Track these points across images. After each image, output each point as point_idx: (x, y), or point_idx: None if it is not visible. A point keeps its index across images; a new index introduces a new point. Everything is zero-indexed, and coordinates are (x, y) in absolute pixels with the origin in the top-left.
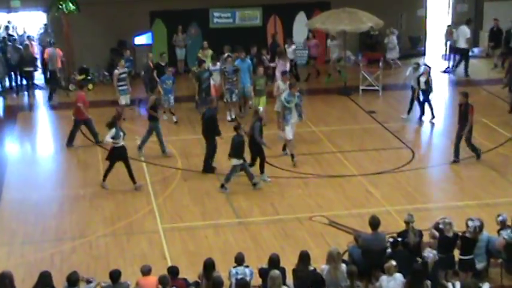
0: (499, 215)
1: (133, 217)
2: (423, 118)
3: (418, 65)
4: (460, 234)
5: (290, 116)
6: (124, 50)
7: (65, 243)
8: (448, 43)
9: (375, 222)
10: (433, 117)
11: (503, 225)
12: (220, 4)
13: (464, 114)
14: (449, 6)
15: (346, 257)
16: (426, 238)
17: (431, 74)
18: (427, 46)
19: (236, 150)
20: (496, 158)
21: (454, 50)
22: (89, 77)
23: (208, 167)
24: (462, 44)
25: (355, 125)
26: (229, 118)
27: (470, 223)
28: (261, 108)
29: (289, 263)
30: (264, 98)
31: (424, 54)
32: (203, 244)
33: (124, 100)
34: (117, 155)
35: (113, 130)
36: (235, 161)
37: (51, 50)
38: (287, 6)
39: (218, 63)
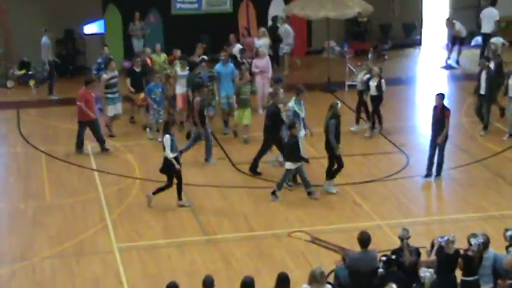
0: (507, 230)
1: (83, 235)
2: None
3: (367, 67)
4: (462, 252)
5: (299, 129)
6: (102, 47)
7: (3, 266)
8: (449, 34)
9: (364, 239)
10: (373, 127)
11: (509, 241)
12: None
13: (440, 119)
14: None
15: (331, 278)
16: (424, 256)
17: (382, 78)
18: (423, 35)
19: (290, 153)
20: (503, 164)
21: (455, 41)
22: (29, 72)
23: (255, 167)
24: (487, 29)
25: (341, 126)
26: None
27: (473, 240)
28: (338, 104)
29: (265, 287)
30: (249, 110)
31: (420, 43)
32: (165, 265)
33: (114, 111)
34: (174, 167)
35: (168, 139)
36: (289, 165)
37: None
38: None
39: (187, 68)
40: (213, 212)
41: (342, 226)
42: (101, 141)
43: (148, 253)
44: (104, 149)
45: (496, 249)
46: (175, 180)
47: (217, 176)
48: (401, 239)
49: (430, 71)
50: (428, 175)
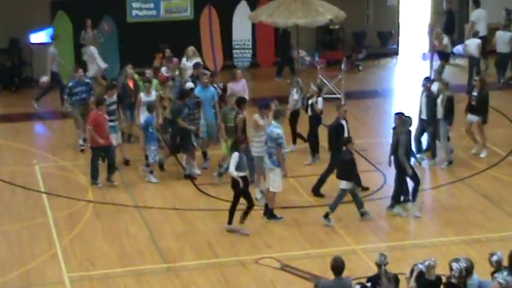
0: (492, 254)
1: (31, 264)
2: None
3: (298, 83)
4: (444, 278)
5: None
6: (75, 68)
7: None
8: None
9: (337, 266)
10: (314, 156)
11: (498, 266)
12: None
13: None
14: None
15: None
16: (403, 284)
17: (320, 96)
18: (400, 43)
19: (345, 171)
20: (488, 183)
21: (441, 55)
22: None
23: (318, 188)
24: (483, 32)
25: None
26: (198, 172)
27: (454, 265)
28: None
29: None
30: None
31: (396, 53)
32: None
33: (114, 140)
34: (238, 186)
35: (236, 157)
36: (344, 184)
37: None
38: None
39: (153, 92)
40: (174, 238)
41: (314, 251)
42: (110, 170)
43: (103, 284)
44: (109, 180)
45: (480, 275)
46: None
47: (177, 197)
48: (379, 265)
49: (408, 83)
50: (406, 200)
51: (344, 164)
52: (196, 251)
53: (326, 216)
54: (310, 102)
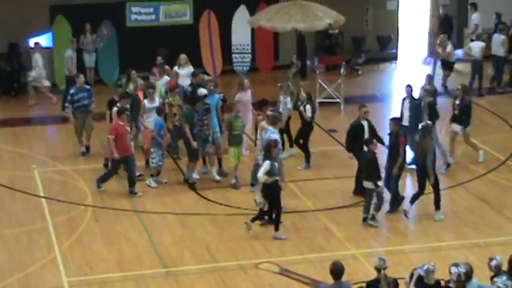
0: (491, 259)
1: (30, 269)
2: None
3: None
4: (443, 283)
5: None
6: (77, 75)
7: None
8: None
9: (337, 270)
10: (307, 164)
11: (497, 270)
12: None
13: (395, 146)
14: None
15: None
16: None
17: (308, 104)
18: (399, 48)
19: (367, 171)
20: (487, 187)
21: (444, 64)
22: None
23: (360, 187)
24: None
25: (311, 147)
26: (197, 176)
27: (453, 269)
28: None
29: None
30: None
31: (396, 58)
32: None
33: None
34: (271, 192)
35: (268, 164)
36: (368, 184)
37: None
38: None
39: (157, 99)
40: (173, 242)
41: (313, 256)
42: (132, 181)
43: None
44: (132, 192)
45: (480, 279)
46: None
47: (176, 202)
48: (378, 269)
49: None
50: (391, 211)
51: (366, 165)
52: (196, 255)
53: (364, 220)
54: (300, 109)
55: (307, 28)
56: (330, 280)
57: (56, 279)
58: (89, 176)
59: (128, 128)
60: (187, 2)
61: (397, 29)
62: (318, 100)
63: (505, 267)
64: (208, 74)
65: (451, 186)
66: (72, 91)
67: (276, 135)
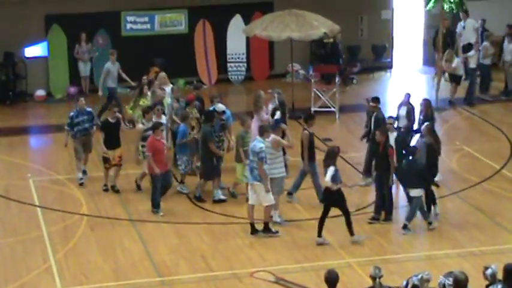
0: (487, 267)
1: (25, 278)
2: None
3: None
4: None
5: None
6: (76, 97)
7: None
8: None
9: (331, 278)
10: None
11: (492, 279)
12: (134, 6)
13: (383, 157)
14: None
15: None
16: None
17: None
18: (394, 57)
19: (419, 179)
20: (482, 196)
21: (452, 79)
22: None
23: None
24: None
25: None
26: (221, 197)
27: (440, 279)
28: None
29: None
30: None
31: (390, 67)
32: None
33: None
34: (335, 198)
35: (332, 170)
36: (417, 192)
37: None
38: (219, 9)
39: (164, 116)
40: (168, 251)
41: (308, 265)
42: (154, 202)
43: None
44: (155, 212)
45: None
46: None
47: (171, 211)
48: (373, 278)
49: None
50: (375, 218)
51: (418, 173)
52: (191, 264)
53: (405, 227)
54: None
55: (302, 37)
56: None
57: None
58: (84, 184)
59: (165, 142)
60: (183, 11)
61: (392, 38)
62: (313, 109)
63: (500, 275)
64: (203, 83)
65: (446, 195)
66: (72, 114)
67: (261, 144)
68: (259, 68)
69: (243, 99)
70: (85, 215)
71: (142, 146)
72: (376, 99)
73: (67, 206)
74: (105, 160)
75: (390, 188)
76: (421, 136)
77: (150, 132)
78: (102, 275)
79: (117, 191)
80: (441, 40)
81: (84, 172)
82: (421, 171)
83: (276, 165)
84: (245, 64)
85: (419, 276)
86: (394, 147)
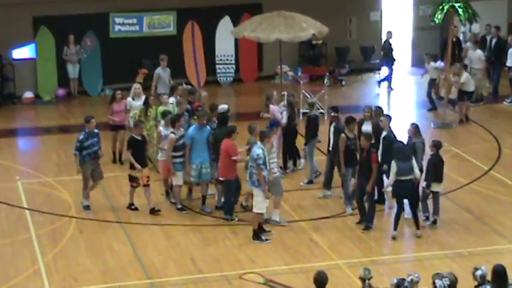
0: (477, 268)
1: (13, 281)
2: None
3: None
4: None
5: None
6: (87, 118)
7: None
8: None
9: (321, 280)
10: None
11: (482, 280)
12: (122, 7)
13: (366, 162)
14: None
15: None
16: None
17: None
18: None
19: (436, 173)
20: (471, 197)
21: (462, 95)
22: None
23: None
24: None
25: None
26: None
27: (438, 282)
28: None
29: None
30: None
31: (379, 68)
32: None
33: (180, 179)
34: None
35: (395, 165)
36: (436, 186)
37: None
38: (208, 10)
39: (170, 128)
40: (157, 253)
41: (297, 266)
42: (227, 210)
43: None
44: (229, 218)
45: None
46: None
47: (160, 213)
48: (363, 279)
49: (392, 99)
50: (368, 226)
51: (433, 167)
52: (180, 266)
53: (434, 222)
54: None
55: (290, 39)
56: None
57: None
58: (73, 187)
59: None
60: (171, 13)
61: (381, 39)
62: (301, 110)
63: (488, 277)
64: (192, 85)
65: None
66: (81, 137)
67: (260, 151)
68: (248, 70)
69: (232, 101)
70: (74, 217)
71: (173, 157)
72: (336, 109)
73: (56, 208)
74: (132, 179)
75: (372, 196)
76: (409, 138)
77: (182, 141)
78: (91, 278)
79: (158, 211)
80: (450, 51)
81: (87, 202)
82: (442, 166)
83: (270, 165)
84: (234, 66)
85: (409, 279)
86: (371, 136)
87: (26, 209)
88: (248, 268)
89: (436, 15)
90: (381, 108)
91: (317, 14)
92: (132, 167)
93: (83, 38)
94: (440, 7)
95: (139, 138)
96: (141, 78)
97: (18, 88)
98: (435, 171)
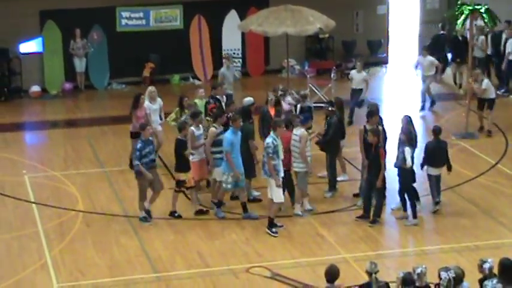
0: (484, 261)
1: (21, 275)
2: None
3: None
4: (433, 286)
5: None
6: (142, 126)
7: None
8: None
9: (332, 272)
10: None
11: (490, 273)
12: (129, 1)
13: (375, 158)
14: (423, 0)
15: None
16: None
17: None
18: (390, 52)
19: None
20: (477, 190)
21: (482, 103)
22: None
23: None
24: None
25: None
26: (257, 193)
27: (443, 274)
28: None
29: None
30: None
31: (386, 62)
32: None
33: (220, 174)
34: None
35: (409, 150)
36: (438, 171)
37: None
38: (214, 4)
39: (200, 126)
40: (164, 247)
41: (304, 260)
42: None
43: None
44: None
45: (470, 283)
46: None
47: (167, 207)
48: (369, 273)
49: (398, 92)
50: (364, 216)
51: (445, 151)
52: (187, 260)
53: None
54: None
55: (297, 32)
56: (322, 284)
57: (47, 284)
58: (79, 181)
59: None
60: (178, 7)
61: (388, 33)
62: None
63: (495, 270)
64: (199, 79)
65: (442, 190)
66: (139, 145)
67: (269, 140)
68: (254, 64)
69: (238, 95)
70: (81, 211)
71: (213, 152)
72: (332, 104)
73: (63, 202)
74: (180, 183)
75: (380, 191)
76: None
77: (220, 137)
78: (97, 271)
79: (207, 211)
80: (470, 57)
81: (149, 213)
82: (446, 150)
83: (299, 159)
84: (240, 60)
85: (418, 271)
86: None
87: (33, 203)
88: (255, 262)
89: (457, 19)
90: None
91: (324, 8)
92: (180, 170)
93: (90, 32)
94: (460, 11)
95: (185, 139)
96: (148, 72)
97: (25, 82)
98: (433, 157)
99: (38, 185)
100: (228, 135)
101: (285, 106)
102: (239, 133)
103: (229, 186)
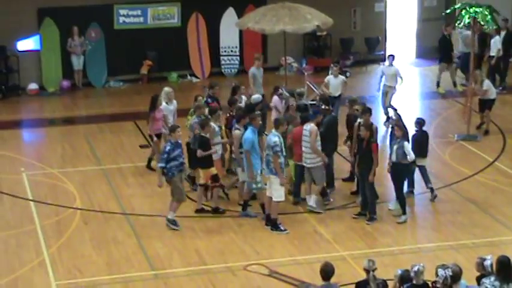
0: (484, 258)
1: (18, 272)
2: None
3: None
4: (430, 284)
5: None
6: (172, 127)
7: None
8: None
9: (327, 270)
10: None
11: (489, 271)
12: None
13: (367, 153)
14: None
15: None
16: None
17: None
18: (387, 50)
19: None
20: (475, 188)
21: (483, 104)
22: None
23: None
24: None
25: None
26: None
27: (441, 272)
28: None
29: None
30: None
31: (384, 59)
32: None
33: (245, 175)
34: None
35: (407, 144)
36: (424, 161)
37: None
38: (212, 2)
39: (216, 123)
40: (162, 245)
41: (302, 258)
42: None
43: None
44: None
45: (468, 280)
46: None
47: (165, 204)
48: (367, 270)
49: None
50: (361, 214)
51: (420, 143)
52: (185, 258)
53: (432, 191)
54: None
55: (295, 30)
56: (319, 281)
57: (45, 282)
58: (77, 178)
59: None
60: (175, 4)
61: (385, 30)
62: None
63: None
64: (196, 77)
65: (439, 188)
66: (168, 148)
67: (276, 138)
68: (252, 61)
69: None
70: (78, 208)
71: (241, 152)
72: (327, 102)
73: (60, 199)
74: (215, 178)
75: (372, 186)
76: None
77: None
78: (95, 269)
79: (223, 212)
80: (473, 58)
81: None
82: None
83: (313, 154)
84: (238, 57)
85: (416, 268)
86: (371, 127)
87: (31, 200)
88: (253, 259)
89: (463, 18)
90: (356, 99)
91: (321, 5)
92: (209, 165)
93: (87, 29)
94: (465, 11)
95: (208, 136)
96: (146, 69)
97: (22, 80)
98: (419, 147)
99: (35, 182)
100: (248, 135)
101: (277, 104)
102: (257, 133)
103: (259, 185)
